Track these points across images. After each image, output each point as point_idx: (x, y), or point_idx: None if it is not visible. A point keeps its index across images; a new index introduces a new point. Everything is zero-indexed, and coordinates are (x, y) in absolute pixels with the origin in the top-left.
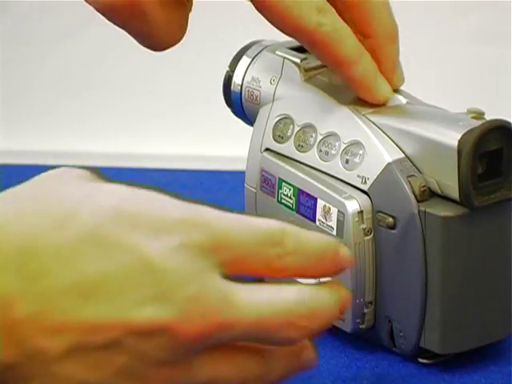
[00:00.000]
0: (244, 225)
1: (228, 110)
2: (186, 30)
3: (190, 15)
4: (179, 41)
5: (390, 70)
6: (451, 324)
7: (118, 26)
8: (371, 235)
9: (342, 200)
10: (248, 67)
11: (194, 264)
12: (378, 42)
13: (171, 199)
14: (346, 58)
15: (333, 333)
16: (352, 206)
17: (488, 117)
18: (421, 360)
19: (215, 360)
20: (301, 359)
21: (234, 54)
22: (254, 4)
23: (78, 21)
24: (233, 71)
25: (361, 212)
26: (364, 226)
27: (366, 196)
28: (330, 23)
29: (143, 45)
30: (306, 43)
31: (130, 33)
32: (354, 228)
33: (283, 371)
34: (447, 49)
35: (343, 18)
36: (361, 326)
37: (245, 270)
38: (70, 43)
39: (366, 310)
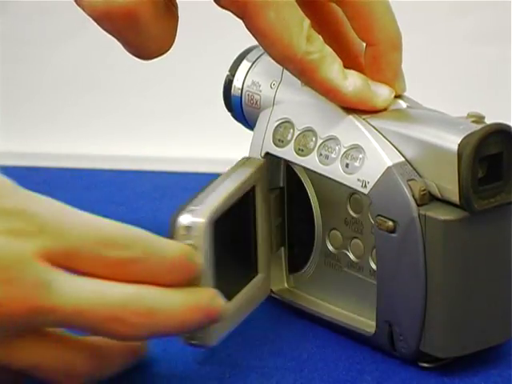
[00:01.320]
0: (82, 221)
1: (228, 113)
2: (174, 39)
3: (191, 19)
4: (167, 50)
5: (390, 78)
6: (452, 328)
7: (111, 34)
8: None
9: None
10: (248, 71)
11: (13, 249)
12: (380, 49)
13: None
14: (333, 84)
15: (333, 336)
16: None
17: (488, 117)
18: (421, 364)
19: (38, 348)
20: (136, 355)
21: (235, 57)
22: (246, 26)
23: (78, 22)
24: (233, 75)
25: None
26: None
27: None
28: (318, 51)
29: (133, 53)
30: (293, 71)
31: (121, 41)
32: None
33: (117, 367)
34: (447, 49)
35: (351, 25)
36: None
37: (83, 268)
38: (71, 44)
39: None
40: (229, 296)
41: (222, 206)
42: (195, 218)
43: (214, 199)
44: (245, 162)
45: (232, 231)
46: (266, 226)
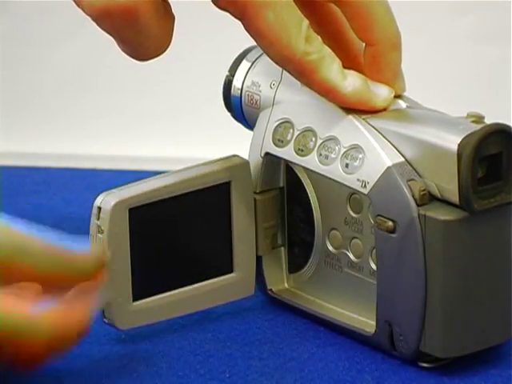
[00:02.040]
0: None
1: (228, 113)
2: (171, 39)
3: (190, 19)
4: (164, 51)
5: (390, 78)
6: (452, 328)
7: (110, 33)
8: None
9: None
10: (248, 71)
11: None
12: (379, 49)
13: None
14: (332, 84)
15: (332, 336)
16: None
17: (488, 117)
18: (421, 364)
19: None
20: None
21: (234, 58)
22: (244, 27)
23: (78, 22)
24: (233, 75)
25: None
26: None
27: None
28: (317, 51)
29: (129, 54)
30: (292, 71)
31: (119, 41)
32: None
33: None
34: (447, 49)
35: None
36: None
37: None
38: (71, 44)
39: None
40: (165, 287)
41: (146, 195)
42: (107, 200)
43: (143, 187)
44: (226, 158)
45: (180, 223)
46: (245, 226)
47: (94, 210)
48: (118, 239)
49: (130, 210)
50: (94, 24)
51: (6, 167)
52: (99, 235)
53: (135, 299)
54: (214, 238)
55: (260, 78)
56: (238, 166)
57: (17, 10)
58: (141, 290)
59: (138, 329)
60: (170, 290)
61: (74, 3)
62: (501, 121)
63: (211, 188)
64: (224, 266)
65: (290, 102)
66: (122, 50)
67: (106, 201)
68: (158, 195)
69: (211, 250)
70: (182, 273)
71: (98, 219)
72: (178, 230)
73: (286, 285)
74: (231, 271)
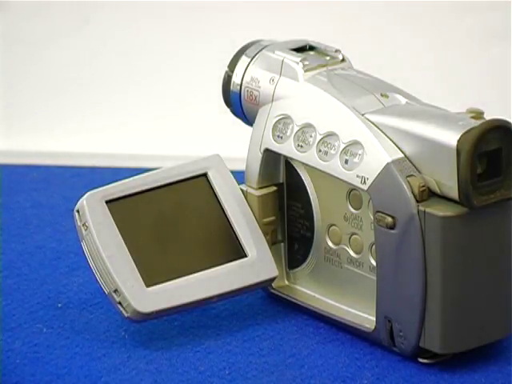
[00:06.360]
0: None
1: (227, 109)
2: None
3: (190, 15)
4: None
5: None
6: (451, 324)
7: None
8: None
9: None
10: (247, 67)
11: None
12: None
13: None
14: None
15: (332, 332)
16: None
17: (488, 116)
18: (421, 360)
19: None
20: None
21: (233, 53)
22: None
23: (76, 21)
24: (232, 71)
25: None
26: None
27: None
28: None
29: None
30: None
31: None
32: None
33: None
34: (447, 49)
35: None
36: None
37: None
38: (71, 44)
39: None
40: (177, 273)
41: (119, 187)
42: (80, 201)
43: (118, 182)
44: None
45: (169, 213)
46: (241, 212)
47: (75, 217)
48: (106, 230)
49: (108, 202)
50: (92, 24)
51: (5, 165)
52: (86, 233)
53: (148, 285)
54: (213, 227)
55: (259, 73)
56: (209, 158)
57: (17, 9)
58: (151, 277)
59: (137, 325)
60: (184, 275)
61: (74, 3)
62: (500, 117)
63: (189, 180)
64: (235, 251)
65: (289, 98)
66: None
67: (80, 202)
68: (133, 187)
69: (215, 238)
70: (192, 259)
71: (81, 221)
72: (170, 220)
73: (286, 281)
74: (245, 256)
